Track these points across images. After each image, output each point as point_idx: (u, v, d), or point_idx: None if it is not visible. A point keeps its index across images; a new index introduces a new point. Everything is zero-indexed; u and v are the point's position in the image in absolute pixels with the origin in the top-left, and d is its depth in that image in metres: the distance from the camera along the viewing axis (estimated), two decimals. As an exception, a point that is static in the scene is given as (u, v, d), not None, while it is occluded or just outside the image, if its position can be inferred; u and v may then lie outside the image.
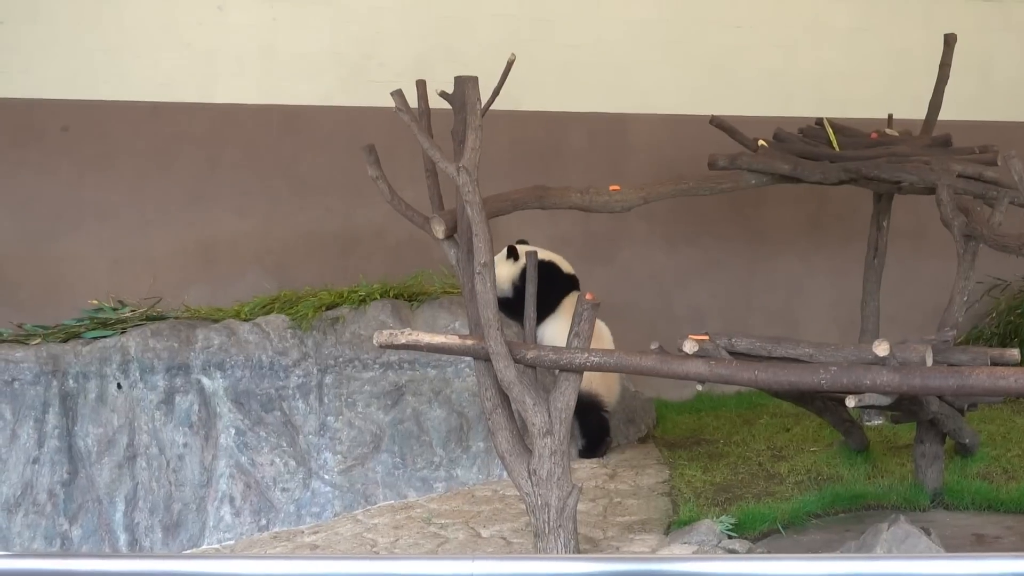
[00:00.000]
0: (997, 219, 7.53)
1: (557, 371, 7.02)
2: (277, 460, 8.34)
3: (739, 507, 7.62)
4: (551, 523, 6.97)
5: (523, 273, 7.37)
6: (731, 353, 6.83)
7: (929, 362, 6.55)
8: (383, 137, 7.86)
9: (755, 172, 8.38)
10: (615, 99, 9.95)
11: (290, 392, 8.42)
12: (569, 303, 8.44)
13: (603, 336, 8.52)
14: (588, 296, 6.94)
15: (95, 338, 8.40)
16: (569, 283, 8.72)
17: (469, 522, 7.90)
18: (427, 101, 7.26)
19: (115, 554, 7.72)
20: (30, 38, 9.39)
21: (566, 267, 8.80)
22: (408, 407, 8.50)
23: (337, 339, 8.49)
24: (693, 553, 6.96)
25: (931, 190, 8.03)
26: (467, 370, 8.42)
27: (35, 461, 8.17)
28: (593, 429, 8.61)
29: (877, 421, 8.86)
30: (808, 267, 10.17)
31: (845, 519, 7.64)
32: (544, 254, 8.35)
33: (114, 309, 8.69)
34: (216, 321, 8.54)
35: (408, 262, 9.28)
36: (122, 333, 8.40)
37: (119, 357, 8.30)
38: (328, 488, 8.36)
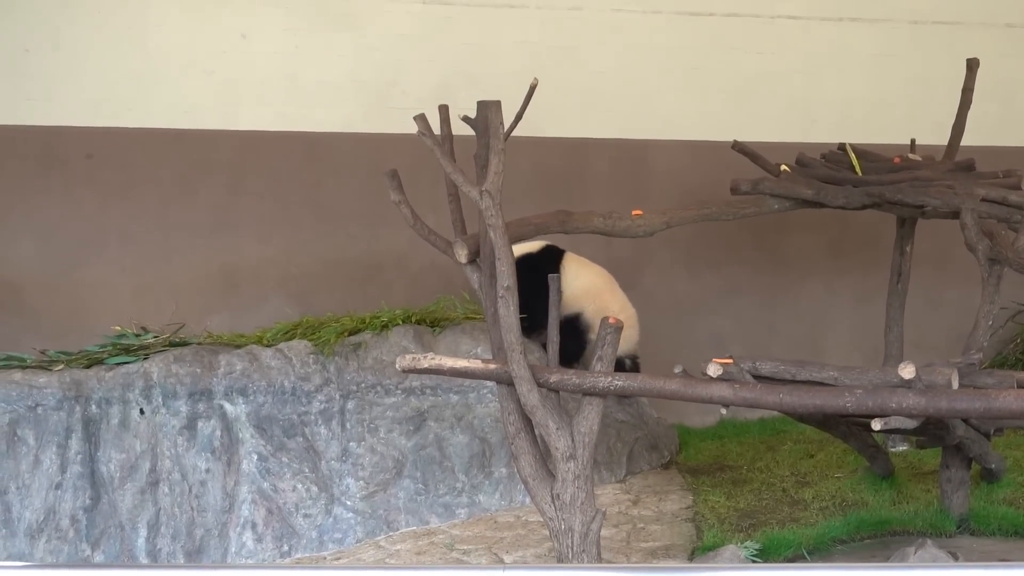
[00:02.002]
0: (1022, 243, 7.50)
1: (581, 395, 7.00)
2: (299, 486, 8.33)
3: (763, 533, 7.58)
4: (574, 548, 6.94)
5: None
6: (755, 377, 6.80)
7: (955, 385, 6.52)
8: (405, 164, 7.87)
9: (778, 197, 8.37)
10: (637, 125, 9.96)
11: (312, 418, 8.41)
12: (573, 275, 8.37)
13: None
14: (611, 319, 6.93)
15: (118, 364, 8.41)
16: (548, 258, 8.65)
17: (492, 548, 7.87)
18: (450, 126, 7.27)
19: (133, 565, 7.71)
20: (54, 66, 9.46)
21: (533, 247, 8.71)
22: (430, 433, 8.48)
23: (359, 364, 8.49)
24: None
25: (955, 215, 8.01)
26: (489, 395, 8.40)
27: (58, 487, 8.18)
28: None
29: (902, 447, 8.81)
30: (831, 293, 10.14)
31: (870, 545, 7.60)
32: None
33: (137, 335, 8.71)
34: (238, 347, 8.55)
35: (430, 288, 9.29)
36: (145, 359, 8.41)
37: (142, 383, 8.31)
38: (350, 514, 8.34)
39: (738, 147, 8.63)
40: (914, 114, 9.90)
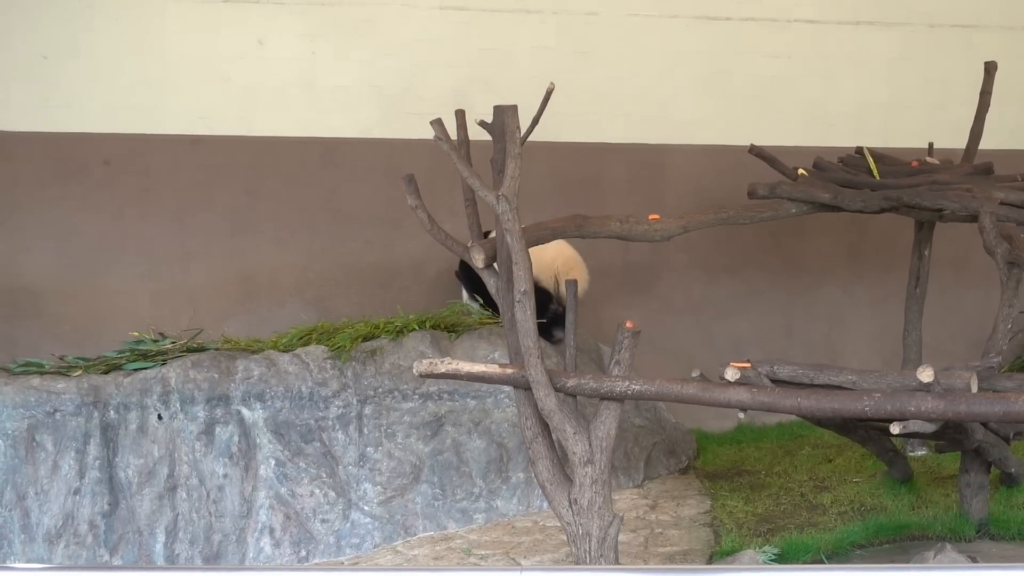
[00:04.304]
0: (1041, 246, 7.47)
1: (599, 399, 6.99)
2: (317, 491, 8.33)
3: (782, 538, 7.57)
4: (592, 553, 6.92)
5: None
6: (773, 381, 6.78)
7: (974, 388, 6.49)
8: (422, 169, 7.89)
9: (795, 201, 8.35)
10: (654, 130, 9.95)
11: (330, 423, 8.42)
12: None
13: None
14: (628, 324, 6.92)
15: (136, 369, 8.44)
16: None
17: (509, 553, 7.87)
18: (466, 131, 7.28)
19: (151, 567, 7.74)
20: (72, 73, 9.48)
21: None
22: (448, 438, 8.48)
23: (377, 370, 8.49)
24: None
25: (973, 218, 7.98)
26: (507, 400, 8.40)
27: (76, 492, 8.20)
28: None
29: (921, 451, 8.78)
30: (849, 297, 10.11)
31: (889, 550, 7.58)
32: None
33: (155, 341, 8.74)
34: (256, 352, 8.57)
35: (447, 293, 9.30)
36: (163, 364, 8.44)
37: (160, 388, 8.33)
38: (368, 519, 8.34)
39: (755, 151, 8.62)
40: (932, 117, 9.87)
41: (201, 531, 8.23)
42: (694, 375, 6.89)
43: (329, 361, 8.48)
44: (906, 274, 9.00)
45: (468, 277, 8.96)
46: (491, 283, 7.22)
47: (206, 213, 9.63)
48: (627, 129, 9.96)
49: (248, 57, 9.65)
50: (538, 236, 7.36)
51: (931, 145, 9.01)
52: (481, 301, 8.86)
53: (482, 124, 7.12)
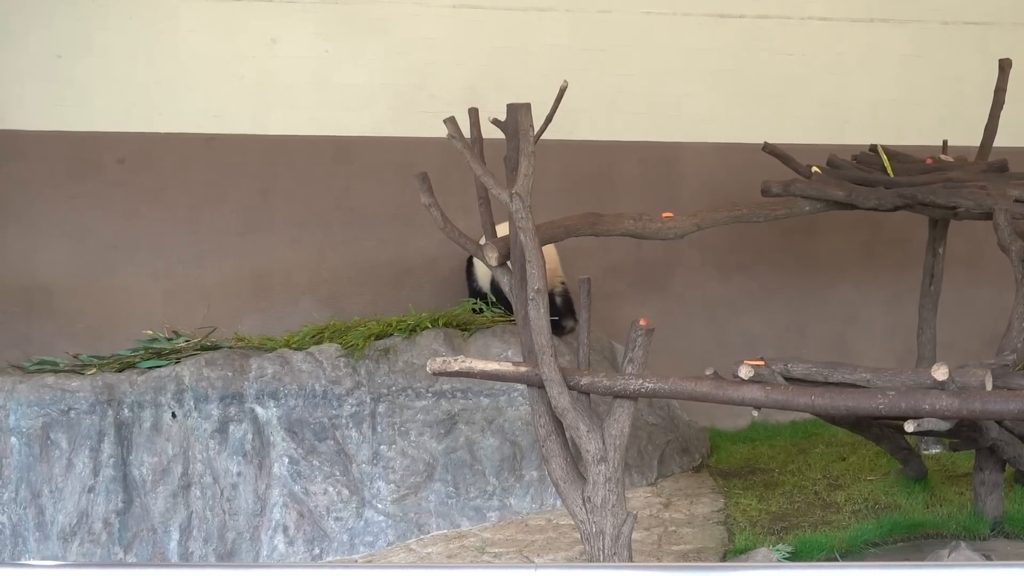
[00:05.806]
0: (1056, 244, 7.45)
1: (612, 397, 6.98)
2: (330, 489, 8.34)
3: (795, 536, 7.57)
4: (606, 551, 6.92)
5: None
6: (787, 379, 6.77)
7: (989, 386, 6.48)
8: (435, 167, 7.89)
9: (809, 199, 8.35)
10: (667, 128, 9.94)
11: (343, 421, 8.43)
12: None
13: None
14: (642, 322, 6.92)
15: (150, 368, 8.46)
16: None
17: (523, 551, 7.87)
18: (479, 129, 7.28)
19: (165, 564, 7.73)
20: (86, 72, 9.50)
21: None
22: (461, 436, 8.48)
23: (390, 368, 8.50)
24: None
25: (987, 216, 7.96)
26: (520, 399, 8.41)
27: (90, 490, 8.22)
28: None
29: (935, 449, 8.77)
30: (863, 295, 10.10)
31: (903, 548, 7.57)
32: None
33: (168, 339, 8.76)
34: (269, 350, 8.58)
35: (460, 292, 9.31)
36: (176, 363, 8.46)
37: (174, 386, 8.34)
38: (381, 517, 8.35)
39: (769, 149, 8.61)
40: (946, 115, 9.85)
41: (215, 529, 8.25)
42: (708, 373, 6.88)
43: (343, 359, 8.49)
44: (920, 272, 8.98)
45: (468, 275, 9.12)
46: (504, 281, 7.22)
47: (219, 211, 9.64)
48: (640, 127, 9.95)
49: (261, 56, 9.66)
50: (551, 234, 7.36)
51: (945, 143, 9.00)
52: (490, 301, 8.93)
53: (495, 122, 7.12)
